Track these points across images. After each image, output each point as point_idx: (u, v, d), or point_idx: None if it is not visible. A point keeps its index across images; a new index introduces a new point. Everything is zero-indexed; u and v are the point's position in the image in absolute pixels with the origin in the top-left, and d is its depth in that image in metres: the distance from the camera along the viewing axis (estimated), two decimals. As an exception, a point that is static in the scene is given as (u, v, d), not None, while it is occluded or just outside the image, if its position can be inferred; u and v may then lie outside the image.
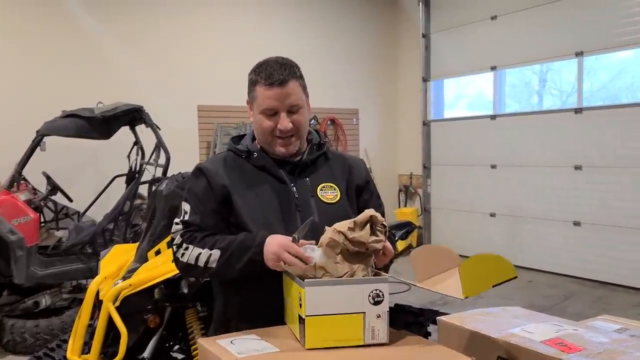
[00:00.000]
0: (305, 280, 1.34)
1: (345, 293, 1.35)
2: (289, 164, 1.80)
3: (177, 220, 1.75)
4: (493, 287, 1.77)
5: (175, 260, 1.73)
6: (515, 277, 1.81)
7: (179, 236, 1.71)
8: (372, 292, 1.36)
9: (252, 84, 1.74)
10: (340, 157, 1.94)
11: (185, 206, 1.75)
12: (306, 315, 1.32)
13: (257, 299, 1.69)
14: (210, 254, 1.63)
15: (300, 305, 1.34)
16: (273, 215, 1.72)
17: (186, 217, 1.73)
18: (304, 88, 1.80)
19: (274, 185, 1.76)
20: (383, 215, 1.95)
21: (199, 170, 1.80)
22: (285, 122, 1.71)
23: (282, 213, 1.73)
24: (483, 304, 5.46)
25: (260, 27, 7.28)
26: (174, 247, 1.72)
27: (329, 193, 1.80)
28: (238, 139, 1.93)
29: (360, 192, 1.89)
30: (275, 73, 1.69)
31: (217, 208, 1.73)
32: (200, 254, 1.64)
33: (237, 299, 1.74)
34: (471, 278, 1.70)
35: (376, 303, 1.37)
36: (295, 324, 1.40)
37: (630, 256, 5.95)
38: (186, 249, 1.67)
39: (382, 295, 1.37)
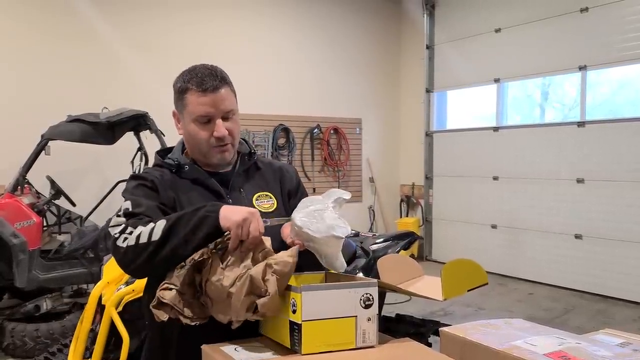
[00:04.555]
0: (302, 285, 1.36)
1: (338, 297, 1.37)
2: (221, 175, 1.73)
3: (117, 214, 1.58)
4: (468, 291, 1.81)
5: (114, 249, 1.48)
6: (486, 284, 1.85)
7: (123, 225, 1.50)
8: (363, 295, 1.39)
9: (182, 92, 1.63)
10: (270, 165, 1.88)
11: (126, 203, 1.57)
12: (303, 321, 1.32)
13: None
14: (154, 227, 1.43)
15: (294, 311, 1.35)
16: None
17: (129, 210, 1.56)
18: (235, 95, 1.70)
19: (208, 198, 1.66)
20: None
21: (138, 177, 1.69)
22: (221, 129, 1.63)
23: None
24: (484, 316, 5.47)
25: (264, 37, 7.33)
26: (116, 235, 1.48)
27: (265, 202, 1.76)
28: (165, 152, 1.82)
29: (291, 197, 1.85)
30: (208, 79, 1.61)
31: (162, 207, 1.60)
32: (141, 231, 1.44)
33: None
34: (451, 282, 1.73)
35: (367, 306, 1.39)
36: (282, 332, 1.40)
37: (631, 270, 5.95)
38: (130, 232, 1.46)
39: (372, 298, 1.40)
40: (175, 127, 1.74)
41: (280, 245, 1.56)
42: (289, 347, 1.37)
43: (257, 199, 1.75)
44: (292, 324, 1.36)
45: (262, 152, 7.25)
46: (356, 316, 1.38)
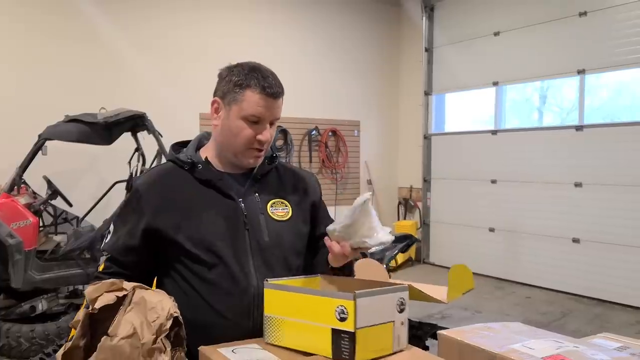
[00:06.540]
0: (356, 292, 1.30)
1: (381, 302, 1.36)
2: (237, 177, 1.69)
3: (105, 241, 1.67)
4: (463, 294, 1.82)
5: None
6: (472, 289, 1.88)
7: (100, 269, 1.64)
8: (398, 300, 1.38)
9: (240, 85, 1.60)
10: (291, 172, 1.83)
11: (111, 227, 1.67)
12: (357, 328, 1.28)
13: (203, 316, 1.56)
14: None
15: (344, 319, 1.29)
16: (218, 236, 1.59)
17: (107, 243, 1.65)
18: None
19: (219, 201, 1.63)
20: None
21: (132, 191, 1.69)
22: (267, 133, 1.62)
23: (228, 232, 1.60)
24: (481, 319, 5.47)
25: (264, 38, 7.32)
26: (96, 274, 1.63)
27: (279, 210, 1.70)
28: (179, 145, 1.79)
29: (317, 210, 1.81)
30: (274, 84, 1.60)
31: (139, 243, 1.62)
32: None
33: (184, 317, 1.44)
34: (455, 285, 1.74)
35: (401, 311, 1.39)
36: (318, 341, 1.35)
37: (628, 274, 5.95)
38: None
39: (405, 302, 1.41)
40: (210, 116, 1.71)
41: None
42: (331, 356, 1.32)
43: (271, 206, 1.69)
44: (338, 332, 1.30)
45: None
46: (394, 321, 1.37)
